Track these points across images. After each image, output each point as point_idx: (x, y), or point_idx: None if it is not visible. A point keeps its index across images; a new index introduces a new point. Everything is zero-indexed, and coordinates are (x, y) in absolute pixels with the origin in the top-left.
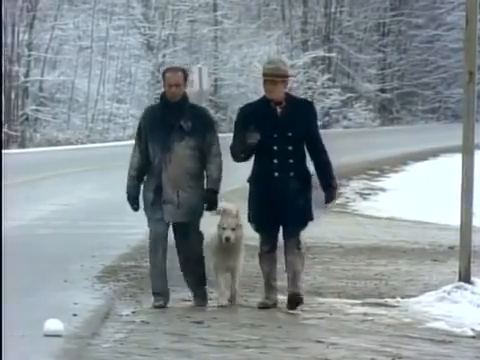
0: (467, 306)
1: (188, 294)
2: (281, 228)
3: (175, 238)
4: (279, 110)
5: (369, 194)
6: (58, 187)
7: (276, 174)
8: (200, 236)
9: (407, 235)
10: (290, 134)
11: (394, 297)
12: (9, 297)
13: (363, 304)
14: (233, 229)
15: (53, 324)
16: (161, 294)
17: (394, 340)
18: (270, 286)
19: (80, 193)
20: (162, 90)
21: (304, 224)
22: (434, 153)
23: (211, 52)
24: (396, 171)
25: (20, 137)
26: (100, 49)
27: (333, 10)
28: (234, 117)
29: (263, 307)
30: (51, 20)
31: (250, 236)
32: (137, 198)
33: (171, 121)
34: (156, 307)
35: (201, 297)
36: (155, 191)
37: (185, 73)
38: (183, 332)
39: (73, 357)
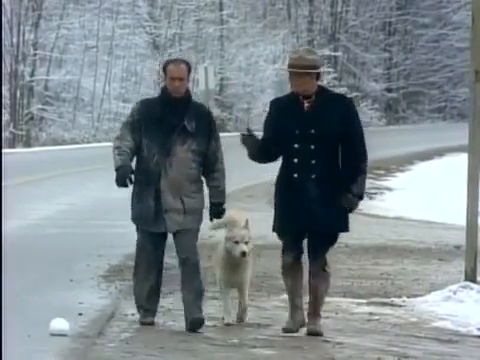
0: (473, 305)
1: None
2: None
3: (176, 245)
4: (306, 105)
5: (375, 193)
6: (64, 186)
7: (295, 175)
8: (196, 243)
9: (413, 234)
10: (313, 131)
11: (400, 296)
12: (15, 296)
13: (369, 303)
14: (246, 242)
15: (59, 323)
16: (150, 310)
17: (400, 339)
18: (295, 306)
19: (86, 192)
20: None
21: (329, 238)
22: (440, 152)
23: (217, 51)
24: (402, 170)
25: (26, 136)
26: (106, 48)
27: (339, 9)
28: (240, 116)
29: (288, 331)
30: (57, 19)
31: (256, 235)
32: (133, 170)
33: (173, 120)
34: (145, 324)
35: (195, 319)
36: (156, 200)
37: (188, 66)
38: (189, 332)
39: (79, 356)
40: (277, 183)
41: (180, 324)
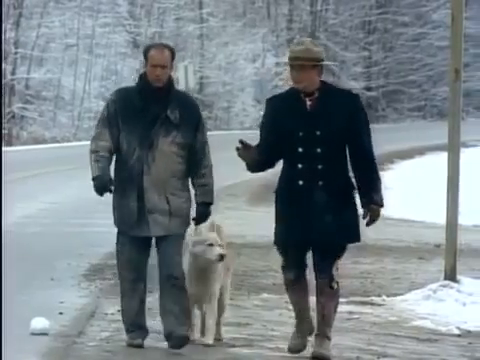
0: (453, 304)
1: None
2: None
3: (159, 254)
4: (309, 102)
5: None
6: (45, 185)
7: (300, 182)
8: (181, 255)
9: (393, 233)
10: (318, 132)
11: (380, 295)
12: None
13: (349, 302)
14: (220, 246)
15: (39, 323)
16: (139, 329)
17: (379, 338)
18: (302, 318)
19: (67, 191)
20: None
21: (337, 250)
22: (420, 151)
23: (197, 50)
24: (382, 169)
25: (7, 135)
26: (86, 47)
27: (319, 8)
28: (220, 115)
29: (294, 351)
30: (37, 18)
31: (236, 234)
32: (112, 180)
33: (155, 110)
34: (133, 346)
35: (180, 337)
36: (138, 200)
37: (172, 52)
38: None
39: (59, 356)
40: (279, 191)
41: (160, 323)
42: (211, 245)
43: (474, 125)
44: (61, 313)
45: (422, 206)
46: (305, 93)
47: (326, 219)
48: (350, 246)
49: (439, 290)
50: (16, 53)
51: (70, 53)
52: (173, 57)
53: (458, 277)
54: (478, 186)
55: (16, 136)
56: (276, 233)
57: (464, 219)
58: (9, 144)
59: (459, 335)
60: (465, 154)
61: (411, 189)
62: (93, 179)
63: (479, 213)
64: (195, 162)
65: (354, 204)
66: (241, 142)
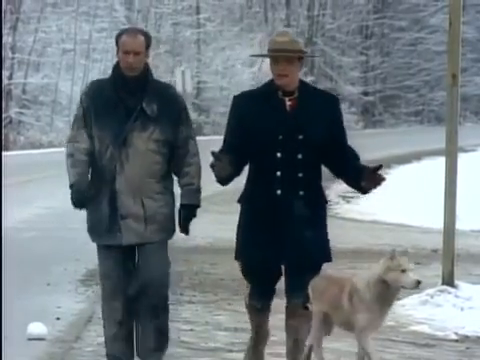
0: (450, 309)
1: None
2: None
3: (138, 271)
4: (289, 103)
5: (352, 197)
6: (42, 190)
7: (278, 192)
8: (168, 265)
9: (390, 238)
10: (301, 137)
11: None
12: None
13: None
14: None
15: (37, 328)
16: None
17: (377, 343)
18: (257, 353)
19: (64, 196)
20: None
21: (315, 268)
22: (417, 156)
23: (194, 55)
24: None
25: (4, 140)
26: (83, 52)
27: (316, 13)
28: (217, 120)
29: None
30: (34, 23)
31: (230, 239)
32: (90, 187)
33: (128, 102)
34: None
35: None
36: (110, 204)
37: (147, 38)
38: None
39: None
40: (246, 200)
41: None
42: (404, 271)
43: (471, 130)
44: (58, 318)
45: (419, 211)
46: (284, 92)
47: (305, 234)
48: (347, 251)
49: (437, 295)
50: (13, 58)
51: (67, 58)
52: (148, 43)
53: (456, 282)
54: (475, 191)
55: (13, 141)
56: (240, 249)
57: (461, 224)
58: (6, 149)
59: (457, 340)
60: (462, 159)
61: (408, 194)
62: (70, 187)
63: (476, 218)
64: (178, 159)
65: (326, 219)
66: (214, 155)
